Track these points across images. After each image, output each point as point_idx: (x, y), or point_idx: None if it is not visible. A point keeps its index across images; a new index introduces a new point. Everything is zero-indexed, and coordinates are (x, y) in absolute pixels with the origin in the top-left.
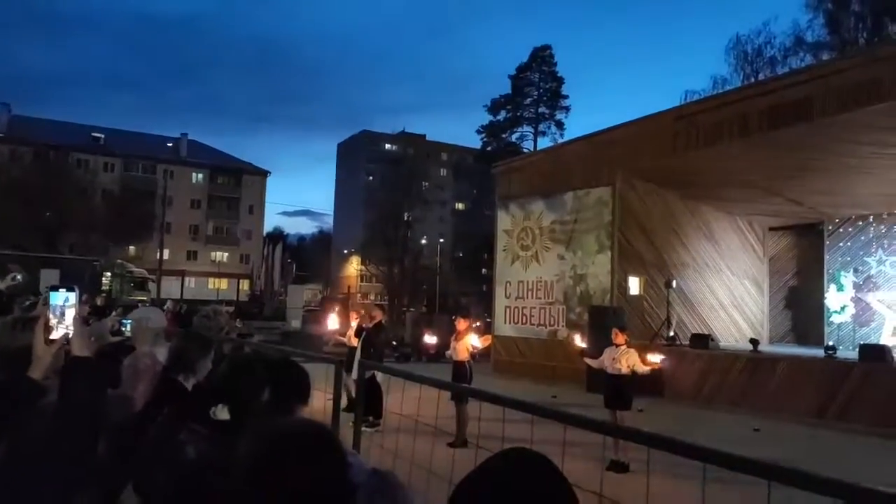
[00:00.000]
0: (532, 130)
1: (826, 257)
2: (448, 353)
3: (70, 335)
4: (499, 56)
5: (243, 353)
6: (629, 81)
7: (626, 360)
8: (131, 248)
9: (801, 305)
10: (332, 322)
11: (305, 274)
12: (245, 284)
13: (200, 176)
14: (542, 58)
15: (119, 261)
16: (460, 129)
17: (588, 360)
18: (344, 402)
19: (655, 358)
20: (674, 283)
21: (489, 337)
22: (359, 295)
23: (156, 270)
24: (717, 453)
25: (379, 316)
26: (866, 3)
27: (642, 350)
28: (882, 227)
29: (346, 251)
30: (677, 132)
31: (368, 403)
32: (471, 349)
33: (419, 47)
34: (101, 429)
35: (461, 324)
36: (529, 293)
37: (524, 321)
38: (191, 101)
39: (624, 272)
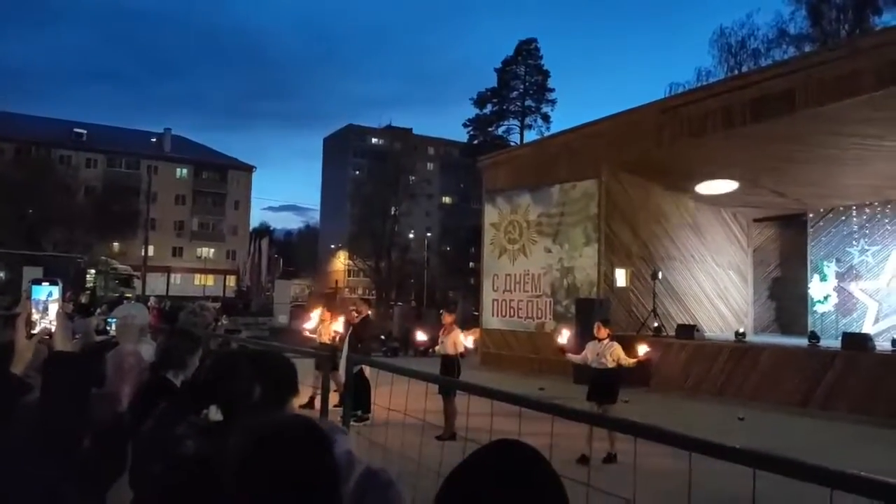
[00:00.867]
0: (518, 124)
1: (809, 247)
2: (437, 347)
3: (51, 329)
4: (484, 49)
5: (230, 350)
6: (615, 74)
7: (612, 353)
8: (115, 244)
9: (784, 295)
10: (306, 320)
11: (292, 269)
12: (231, 280)
13: (185, 171)
14: (527, 51)
15: (103, 258)
16: (447, 122)
17: (571, 357)
18: (335, 399)
19: (641, 349)
20: (660, 275)
21: (477, 330)
22: (346, 289)
23: (141, 267)
24: (703, 442)
25: (365, 310)
26: None
27: (629, 342)
28: (864, 217)
29: (333, 246)
30: (662, 124)
31: (357, 398)
32: (461, 348)
33: (405, 41)
34: (86, 426)
35: (448, 318)
36: (517, 286)
37: (512, 314)
38: (175, 95)
39: (610, 264)
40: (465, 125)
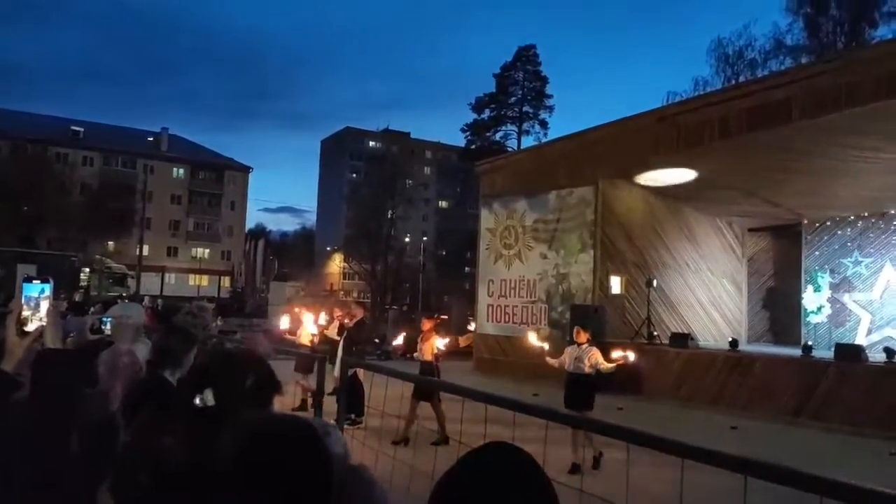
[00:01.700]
0: (516, 129)
1: (804, 258)
2: (416, 354)
3: (43, 327)
4: (483, 55)
5: (222, 346)
6: (612, 82)
7: (590, 358)
8: (110, 243)
9: (778, 305)
10: (284, 321)
11: (287, 271)
12: (226, 281)
13: (181, 171)
14: (526, 57)
15: (98, 256)
16: (445, 127)
17: (550, 361)
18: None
19: (618, 354)
20: (654, 283)
21: (471, 336)
22: (342, 292)
23: (135, 266)
24: (695, 448)
25: (360, 313)
26: (844, 7)
27: (611, 347)
28: (858, 228)
29: (328, 248)
30: (659, 133)
31: (350, 401)
32: (436, 351)
33: (404, 44)
34: (78, 425)
35: (426, 324)
36: (512, 291)
37: (507, 319)
38: (172, 95)
39: (606, 271)
40: (462, 130)
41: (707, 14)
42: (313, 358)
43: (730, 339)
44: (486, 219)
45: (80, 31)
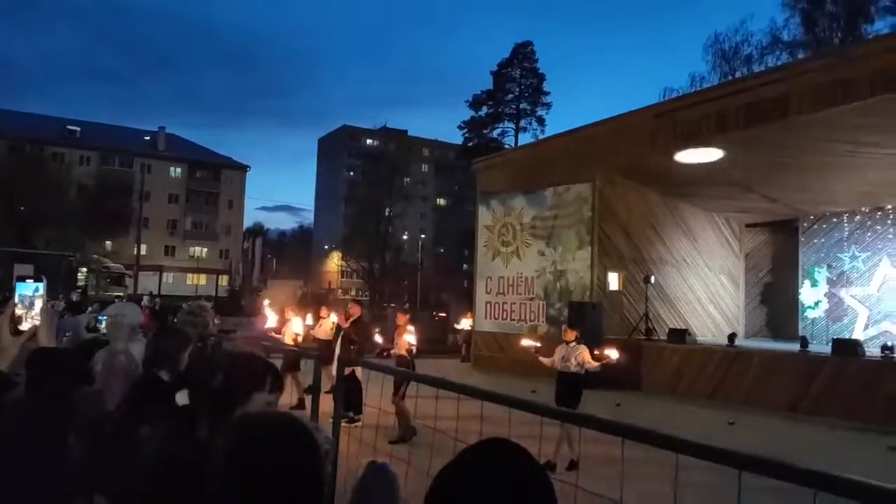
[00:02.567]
0: (513, 126)
1: (801, 253)
2: (393, 350)
3: (37, 326)
4: (480, 52)
5: (220, 345)
6: (609, 78)
7: (577, 356)
8: (108, 242)
9: (776, 301)
10: (271, 320)
11: (285, 269)
12: (224, 280)
13: (179, 170)
14: (523, 54)
15: (95, 256)
16: (442, 124)
17: (542, 360)
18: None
19: (607, 352)
20: (652, 279)
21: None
22: (339, 290)
23: (133, 265)
24: (690, 444)
25: (357, 311)
26: (840, 3)
27: (599, 346)
28: (855, 223)
29: (326, 247)
30: (656, 129)
31: (348, 399)
32: (408, 346)
33: (400, 42)
34: (74, 424)
35: (401, 318)
36: (510, 289)
37: (504, 316)
38: (169, 94)
39: (603, 268)
40: (460, 127)
41: (704, 10)
42: (297, 356)
43: (728, 334)
44: (484, 216)
45: (77, 30)
